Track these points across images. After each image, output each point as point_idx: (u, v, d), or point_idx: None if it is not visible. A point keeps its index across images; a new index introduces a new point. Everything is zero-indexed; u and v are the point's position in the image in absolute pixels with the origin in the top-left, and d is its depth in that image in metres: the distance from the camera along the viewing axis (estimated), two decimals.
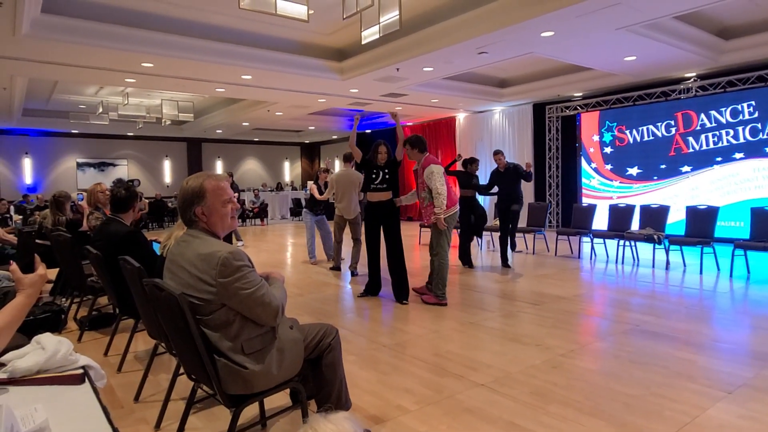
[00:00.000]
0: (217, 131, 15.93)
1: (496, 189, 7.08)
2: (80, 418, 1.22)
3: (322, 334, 2.12)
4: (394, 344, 3.66)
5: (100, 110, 10.93)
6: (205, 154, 17.84)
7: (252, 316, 1.84)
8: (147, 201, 14.01)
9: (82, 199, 5.37)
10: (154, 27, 6.59)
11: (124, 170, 16.12)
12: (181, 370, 2.32)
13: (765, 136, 8.05)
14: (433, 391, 2.81)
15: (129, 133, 15.55)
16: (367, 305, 4.90)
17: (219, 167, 17.95)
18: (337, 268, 6.87)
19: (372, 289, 5.18)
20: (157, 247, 3.42)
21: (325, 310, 4.76)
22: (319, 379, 2.13)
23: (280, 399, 2.59)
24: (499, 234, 7.10)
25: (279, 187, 18.35)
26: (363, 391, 2.83)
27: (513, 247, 7.56)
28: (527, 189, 9.75)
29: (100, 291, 3.95)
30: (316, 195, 7.26)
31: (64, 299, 4.86)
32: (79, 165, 15.51)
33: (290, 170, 20.04)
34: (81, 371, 1.48)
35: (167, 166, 17.08)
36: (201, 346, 1.78)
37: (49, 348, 1.49)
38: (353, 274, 6.51)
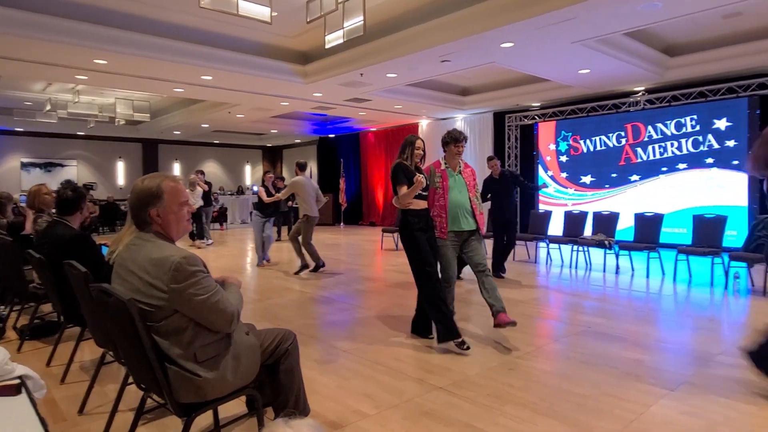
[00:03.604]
0: (175, 132, 15.48)
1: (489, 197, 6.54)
2: (15, 430, 1.15)
3: (280, 339, 2.09)
4: (354, 349, 3.65)
5: (48, 108, 10.41)
6: (162, 156, 17.27)
7: (206, 322, 1.80)
8: (97, 206, 13.41)
9: (25, 201, 5.09)
10: (109, 22, 6.35)
11: (73, 171, 15.38)
12: (130, 380, 2.23)
13: (705, 148, 8.56)
14: (392, 395, 2.82)
15: (79, 133, 14.88)
16: (328, 310, 4.86)
17: (176, 169, 17.42)
18: (320, 266, 6.98)
19: (454, 328, 3.56)
20: (106, 252, 3.28)
21: (285, 315, 4.68)
22: (276, 386, 2.09)
23: (236, 407, 2.52)
24: (492, 246, 6.37)
25: (239, 190, 17.99)
26: (322, 396, 2.80)
27: (503, 270, 6.46)
28: None
29: (44, 298, 3.74)
30: (264, 198, 7.39)
31: (2, 307, 4.58)
32: (24, 165, 14.69)
33: (251, 174, 19.69)
34: (17, 381, 1.40)
35: (120, 167, 16.42)
36: (151, 354, 1.72)
37: None
38: (322, 265, 6.93)
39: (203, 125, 14.12)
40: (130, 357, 1.93)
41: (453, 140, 3.93)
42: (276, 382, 2.08)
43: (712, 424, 2.41)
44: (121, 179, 16.40)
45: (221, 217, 15.02)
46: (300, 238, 6.85)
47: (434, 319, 3.65)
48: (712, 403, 2.65)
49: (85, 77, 8.05)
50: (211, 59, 7.36)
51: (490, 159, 6.73)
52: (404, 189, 3.67)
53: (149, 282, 1.73)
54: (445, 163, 3.96)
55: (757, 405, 2.62)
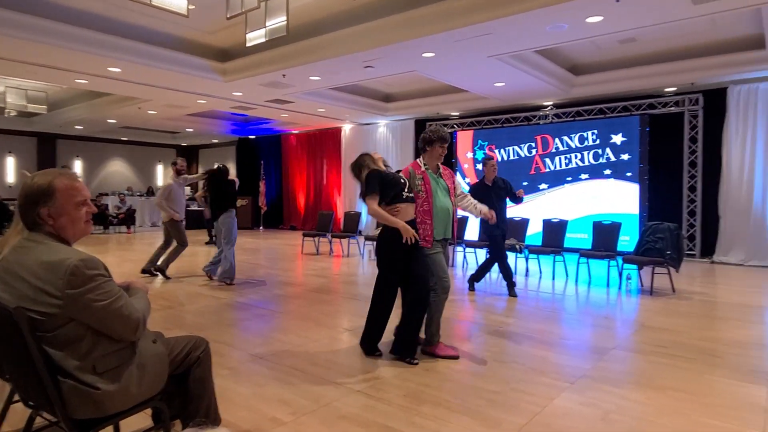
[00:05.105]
0: (77, 127, 14.20)
1: None
2: None
3: (190, 348, 1.99)
4: (271, 355, 3.56)
5: None
6: (61, 152, 15.78)
7: (108, 330, 1.67)
8: None
9: None
10: None
11: None
12: (16, 397, 2.01)
13: (604, 161, 9.40)
14: (309, 400, 2.79)
15: None
16: (244, 316, 4.71)
17: (78, 167, 16.00)
18: (161, 270, 6.71)
19: (375, 343, 3.57)
20: None
21: (198, 322, 4.46)
22: (186, 396, 1.99)
23: (140, 421, 2.36)
24: (486, 259, 6.10)
25: (150, 191, 16.89)
26: (236, 405, 2.70)
27: (510, 277, 5.88)
28: None
29: None
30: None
31: None
32: None
33: (164, 174, 18.57)
34: None
35: (11, 163, 14.78)
36: (42, 368, 1.56)
37: None
38: (153, 273, 6.71)
39: (110, 120, 13.11)
40: (16, 372, 1.74)
41: (440, 139, 3.47)
42: (186, 392, 1.98)
43: (606, 413, 2.64)
44: (11, 176, 14.76)
45: (129, 219, 14.02)
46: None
47: (367, 330, 3.55)
48: (606, 394, 2.90)
49: None
50: (121, 50, 6.87)
51: (488, 160, 5.84)
52: (375, 204, 3.26)
53: (40, 288, 1.57)
54: (425, 165, 3.56)
55: (645, 394, 2.91)
